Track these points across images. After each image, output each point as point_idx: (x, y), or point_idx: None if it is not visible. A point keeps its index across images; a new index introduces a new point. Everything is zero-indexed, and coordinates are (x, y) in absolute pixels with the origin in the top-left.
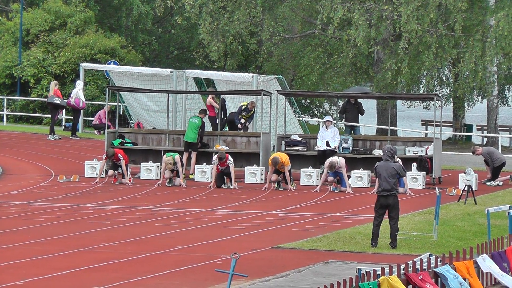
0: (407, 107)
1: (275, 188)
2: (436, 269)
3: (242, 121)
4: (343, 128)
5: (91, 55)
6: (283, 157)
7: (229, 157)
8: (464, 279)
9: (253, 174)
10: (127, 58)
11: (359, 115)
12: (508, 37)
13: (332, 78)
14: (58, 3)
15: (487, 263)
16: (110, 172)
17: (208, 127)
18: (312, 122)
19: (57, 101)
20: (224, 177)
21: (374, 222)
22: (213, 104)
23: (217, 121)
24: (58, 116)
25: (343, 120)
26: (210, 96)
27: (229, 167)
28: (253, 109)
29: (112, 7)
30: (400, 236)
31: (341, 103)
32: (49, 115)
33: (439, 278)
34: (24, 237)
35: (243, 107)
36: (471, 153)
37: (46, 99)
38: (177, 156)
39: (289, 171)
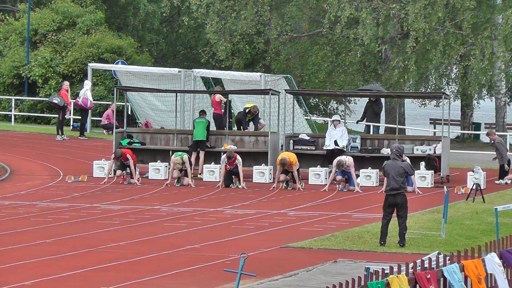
0: (419, 107)
1: (283, 188)
2: (443, 268)
3: (248, 128)
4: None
5: (98, 54)
6: (291, 157)
7: (238, 156)
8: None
9: (261, 173)
10: (137, 59)
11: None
12: None
13: (340, 76)
14: (67, 2)
15: (494, 263)
16: (119, 172)
17: (213, 126)
18: (319, 121)
19: (55, 100)
20: (233, 176)
21: (382, 221)
22: (222, 99)
23: (224, 122)
24: (66, 116)
25: (364, 119)
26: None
27: (238, 167)
28: (255, 113)
29: (119, 6)
30: (409, 235)
31: (349, 102)
32: (57, 115)
33: (447, 281)
34: (33, 238)
35: (247, 110)
36: (486, 135)
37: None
38: (185, 156)
39: (298, 170)
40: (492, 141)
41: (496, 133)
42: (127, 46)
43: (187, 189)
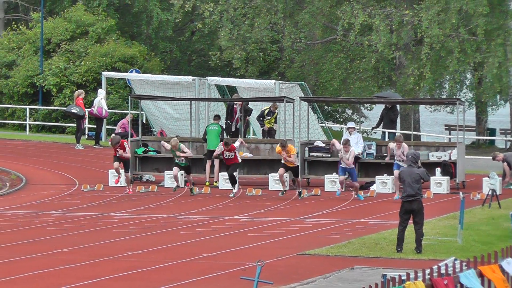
0: (431, 112)
1: (283, 192)
2: (460, 274)
3: (266, 128)
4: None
5: (111, 63)
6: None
7: (236, 149)
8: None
9: (277, 181)
10: (147, 66)
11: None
12: None
13: (354, 83)
14: (79, 11)
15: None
16: (115, 164)
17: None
18: (335, 128)
19: (74, 110)
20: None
21: (399, 228)
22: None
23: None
24: (84, 126)
25: (380, 126)
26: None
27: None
28: (276, 111)
29: (132, 15)
30: (425, 241)
31: (363, 108)
32: (73, 124)
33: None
34: (49, 247)
35: (266, 112)
36: (492, 159)
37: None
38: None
39: (297, 167)
40: (501, 161)
41: (511, 138)
42: (139, 55)
43: (203, 197)
